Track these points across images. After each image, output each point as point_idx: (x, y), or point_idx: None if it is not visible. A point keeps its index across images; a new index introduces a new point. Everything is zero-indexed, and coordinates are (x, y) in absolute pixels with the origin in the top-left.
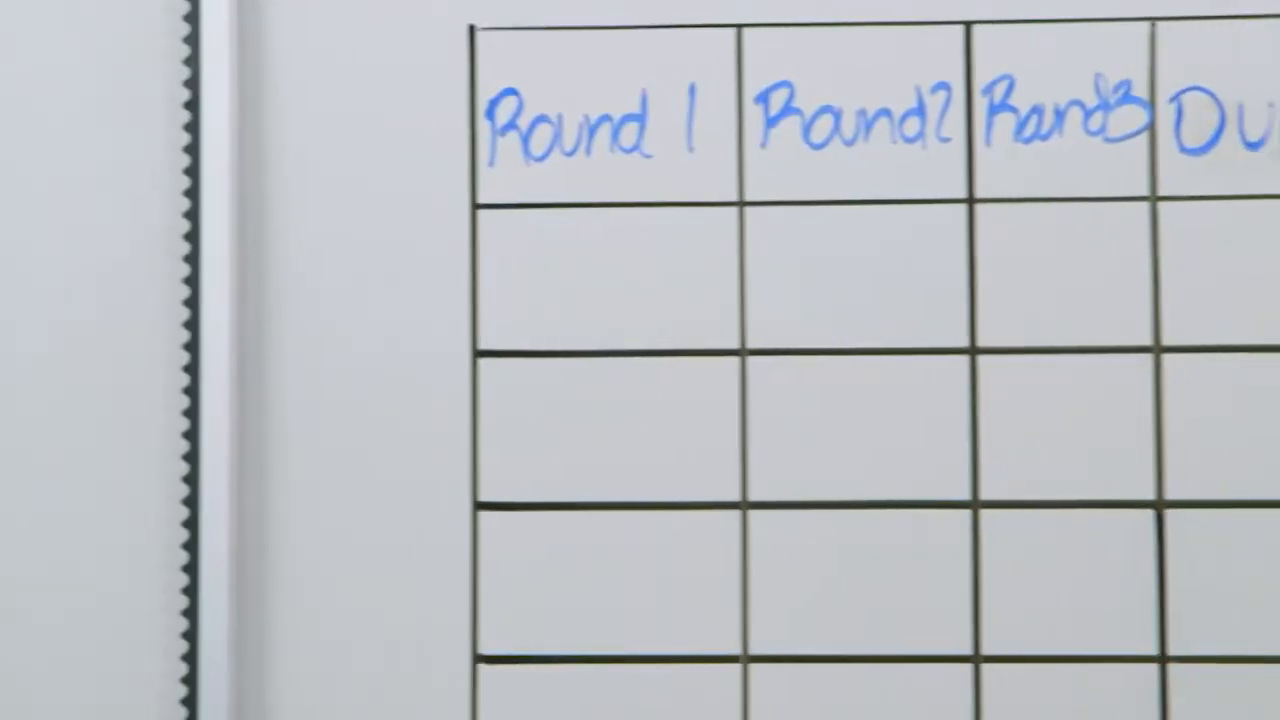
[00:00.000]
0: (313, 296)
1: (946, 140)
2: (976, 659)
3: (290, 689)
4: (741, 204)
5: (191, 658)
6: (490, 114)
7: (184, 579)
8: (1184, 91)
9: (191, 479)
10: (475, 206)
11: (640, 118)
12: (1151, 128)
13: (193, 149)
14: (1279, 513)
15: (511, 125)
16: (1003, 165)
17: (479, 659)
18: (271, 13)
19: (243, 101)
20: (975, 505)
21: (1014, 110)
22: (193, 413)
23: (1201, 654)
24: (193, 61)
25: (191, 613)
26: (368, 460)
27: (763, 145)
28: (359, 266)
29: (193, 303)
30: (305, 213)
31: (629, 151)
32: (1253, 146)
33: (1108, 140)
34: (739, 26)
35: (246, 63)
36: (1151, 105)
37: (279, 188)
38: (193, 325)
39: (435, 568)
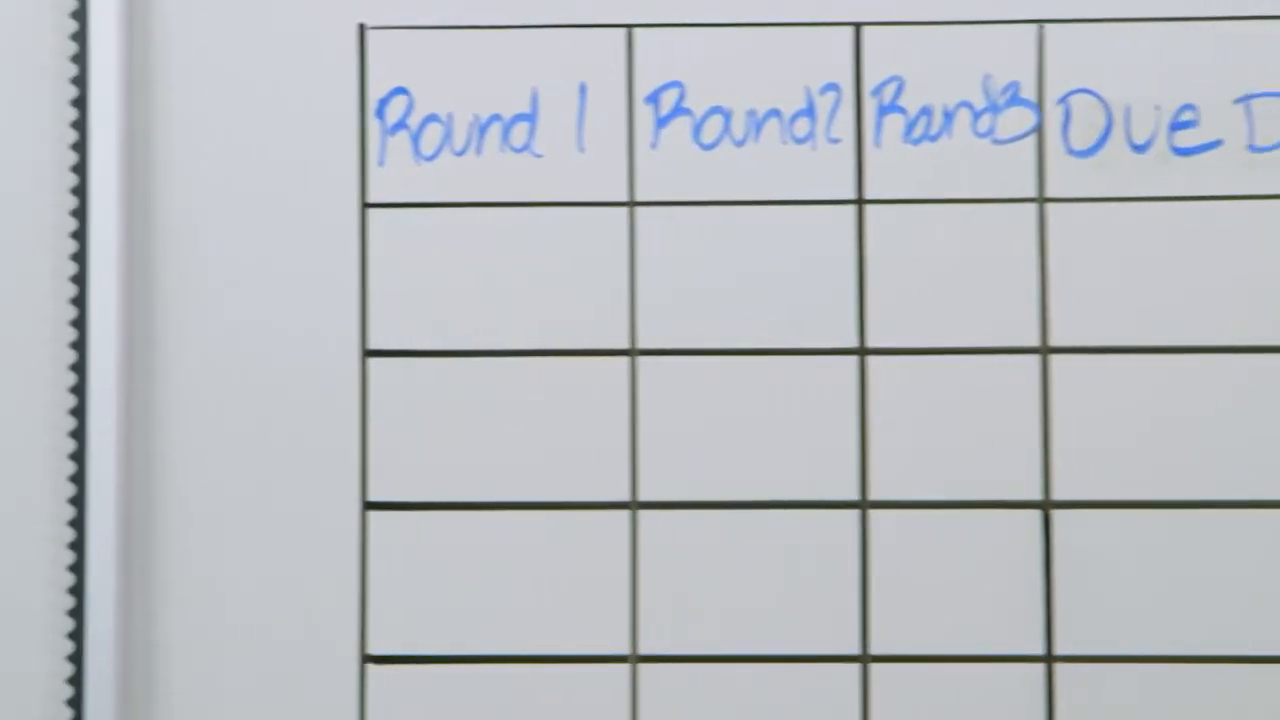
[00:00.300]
0: (201, 296)
1: (836, 141)
2: (865, 659)
3: (178, 689)
4: (632, 204)
5: (78, 658)
6: (380, 113)
7: (70, 578)
8: (1071, 94)
9: (78, 479)
10: (365, 206)
11: (531, 117)
12: (1039, 130)
13: (80, 147)
14: (1165, 513)
15: (401, 125)
16: (892, 166)
17: (367, 659)
18: (160, 11)
19: (131, 102)
20: (864, 505)
21: (903, 111)
22: (80, 412)
23: (1087, 654)
24: (80, 60)
25: (78, 612)
26: (256, 459)
27: (653, 145)
28: (248, 266)
29: (80, 302)
30: (194, 212)
31: (519, 151)
32: (1139, 149)
33: (996, 142)
34: (629, 27)
35: (135, 63)
36: (1039, 107)
37: (167, 186)
38: (80, 325)
39: (323, 567)
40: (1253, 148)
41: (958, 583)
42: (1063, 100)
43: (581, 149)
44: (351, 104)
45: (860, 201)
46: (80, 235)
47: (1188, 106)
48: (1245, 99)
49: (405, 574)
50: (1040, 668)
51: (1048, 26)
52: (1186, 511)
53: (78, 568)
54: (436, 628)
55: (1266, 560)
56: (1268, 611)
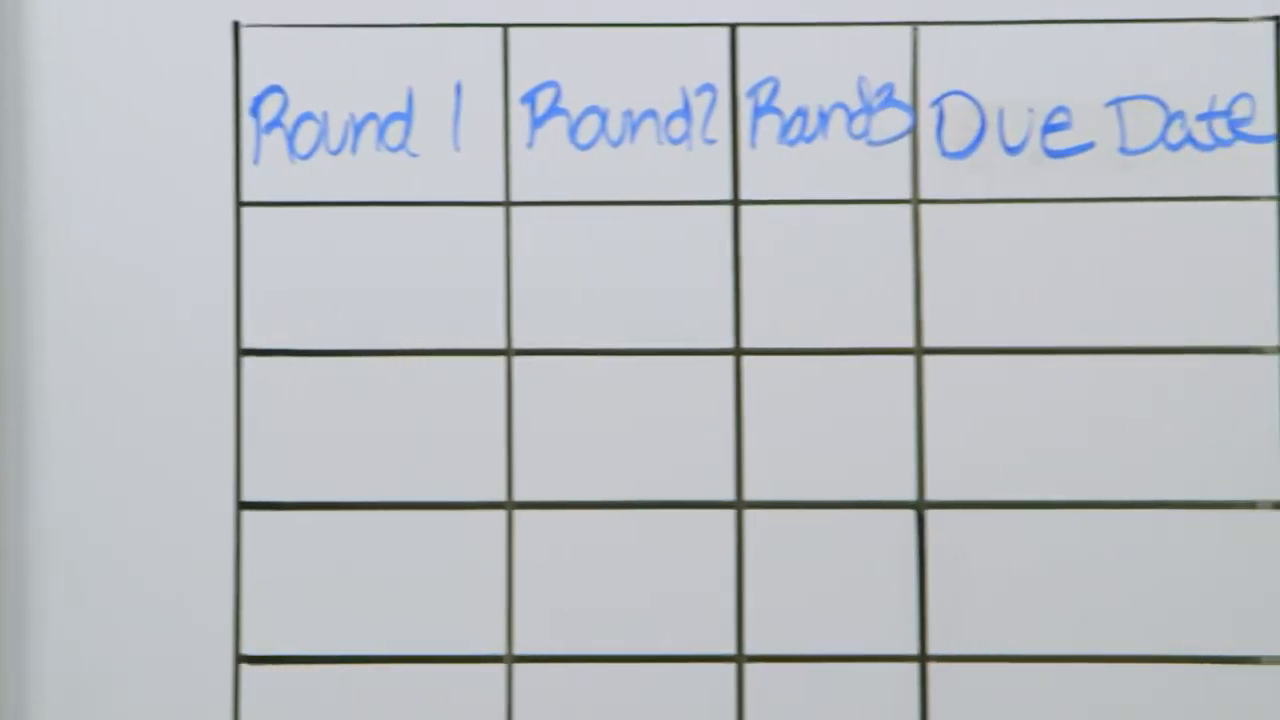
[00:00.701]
0: (75, 295)
1: (712, 142)
2: (740, 659)
3: (50, 690)
4: (508, 204)
5: None
6: (255, 111)
7: None
8: (945, 95)
9: None
10: (239, 204)
11: (406, 116)
12: (914, 131)
13: None
14: (1039, 513)
15: (276, 123)
16: (768, 167)
17: (241, 659)
18: (30, 9)
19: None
20: (739, 505)
21: (779, 113)
22: None
23: (961, 653)
24: None
25: None
26: (130, 459)
27: (529, 145)
28: (122, 265)
29: None
30: (66, 211)
31: (395, 150)
32: (1012, 151)
33: (871, 143)
34: (505, 26)
35: (4, 60)
36: (914, 109)
37: (39, 188)
38: None
39: (198, 567)
40: (1124, 150)
41: (832, 582)
42: (937, 102)
43: (457, 148)
44: (226, 102)
45: (736, 202)
46: None
47: (1060, 109)
48: (1116, 102)
49: (280, 574)
50: (914, 667)
51: (922, 28)
52: (1060, 511)
53: None
54: (312, 628)
55: (1139, 560)
56: (1141, 611)
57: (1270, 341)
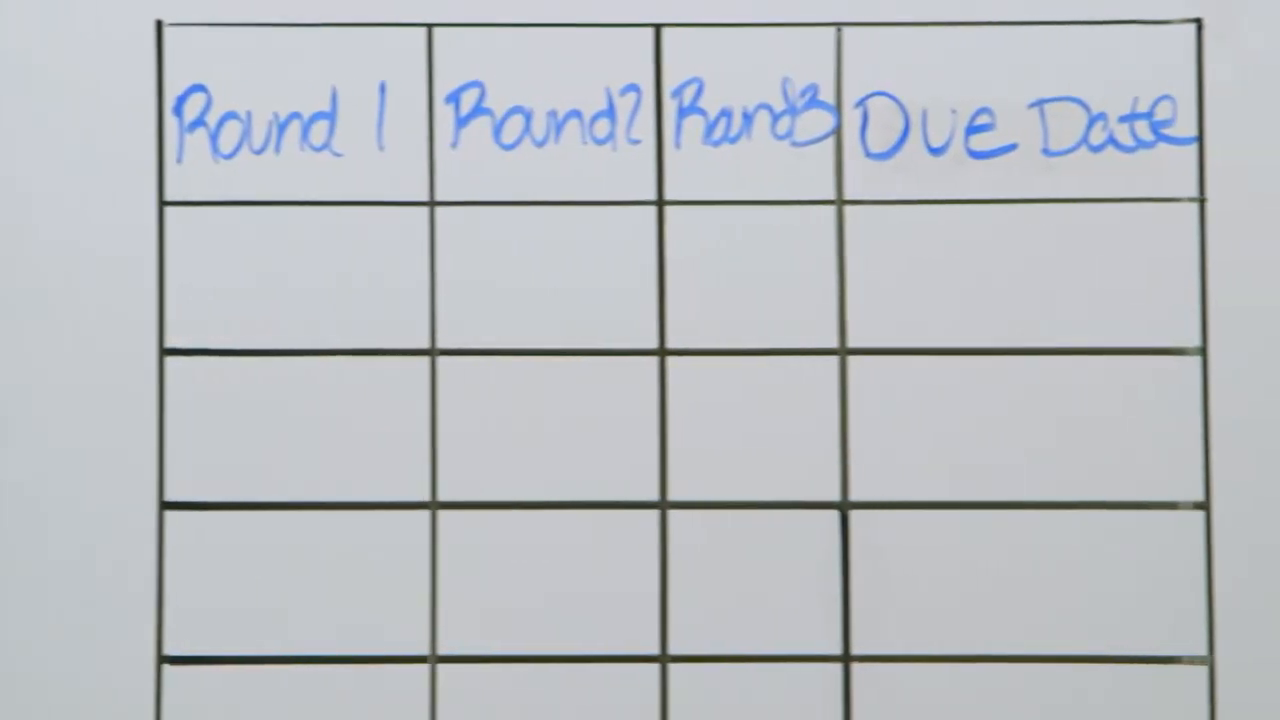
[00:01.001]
0: None
1: (637, 142)
2: (664, 659)
3: None
4: (432, 204)
5: None
6: (178, 110)
7: None
8: (869, 96)
9: None
10: (162, 204)
11: (330, 116)
12: (838, 132)
13: None
14: (962, 513)
15: (200, 122)
16: (692, 168)
17: (164, 659)
18: None
19: None
20: (663, 506)
21: (703, 113)
22: None
23: (885, 654)
24: None
25: None
26: (52, 459)
27: (453, 145)
28: (43, 264)
29: None
30: None
31: (319, 150)
32: (936, 152)
33: (795, 144)
34: (429, 26)
35: None
36: (838, 110)
37: None
38: None
39: (120, 567)
40: (1046, 151)
41: (756, 583)
42: (861, 103)
43: (381, 148)
44: (149, 101)
45: (660, 203)
46: None
47: (984, 110)
48: (1039, 103)
49: (203, 574)
50: (838, 667)
51: (846, 29)
52: (982, 512)
53: None
54: (235, 628)
55: (1061, 560)
56: (1062, 611)
57: (1192, 343)
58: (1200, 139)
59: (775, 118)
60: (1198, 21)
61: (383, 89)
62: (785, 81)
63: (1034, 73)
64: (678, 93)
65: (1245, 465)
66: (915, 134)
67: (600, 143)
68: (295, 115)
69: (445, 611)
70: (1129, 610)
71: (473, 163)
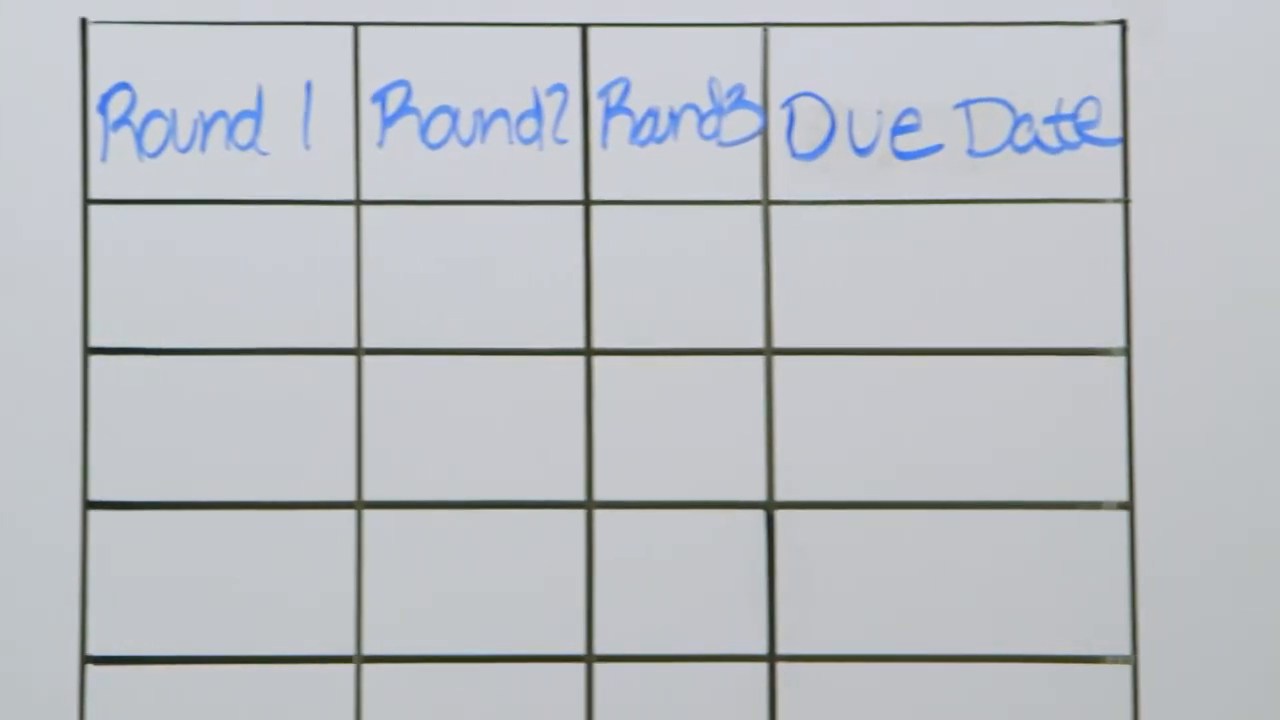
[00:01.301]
0: None
1: (563, 142)
2: (589, 659)
3: None
4: (358, 203)
5: None
6: (102, 108)
7: None
8: (795, 97)
9: None
10: (87, 202)
11: (256, 115)
12: (764, 133)
13: None
14: (888, 513)
15: (124, 120)
16: (619, 167)
17: (87, 659)
18: None
19: None
20: (589, 505)
21: (630, 113)
22: None
23: (810, 653)
24: None
25: None
26: None
27: (380, 144)
28: None
29: None
30: None
31: (245, 148)
32: (862, 152)
33: (721, 144)
34: (356, 25)
35: None
36: (764, 110)
37: None
38: None
39: (43, 566)
40: (972, 152)
41: (682, 582)
42: (787, 103)
43: (307, 147)
44: (74, 99)
45: (587, 202)
46: None
47: (909, 110)
48: (965, 104)
49: (127, 573)
50: (763, 667)
51: (772, 29)
52: (908, 512)
53: None
54: (159, 628)
55: (987, 560)
56: (987, 611)
57: (1116, 343)
58: (1124, 140)
59: (702, 118)
60: (1122, 23)
61: (309, 88)
62: (712, 82)
63: (960, 74)
64: (604, 92)
65: (1169, 465)
66: (841, 134)
67: (527, 142)
68: (221, 114)
69: (371, 611)
70: (1053, 610)
71: (399, 162)
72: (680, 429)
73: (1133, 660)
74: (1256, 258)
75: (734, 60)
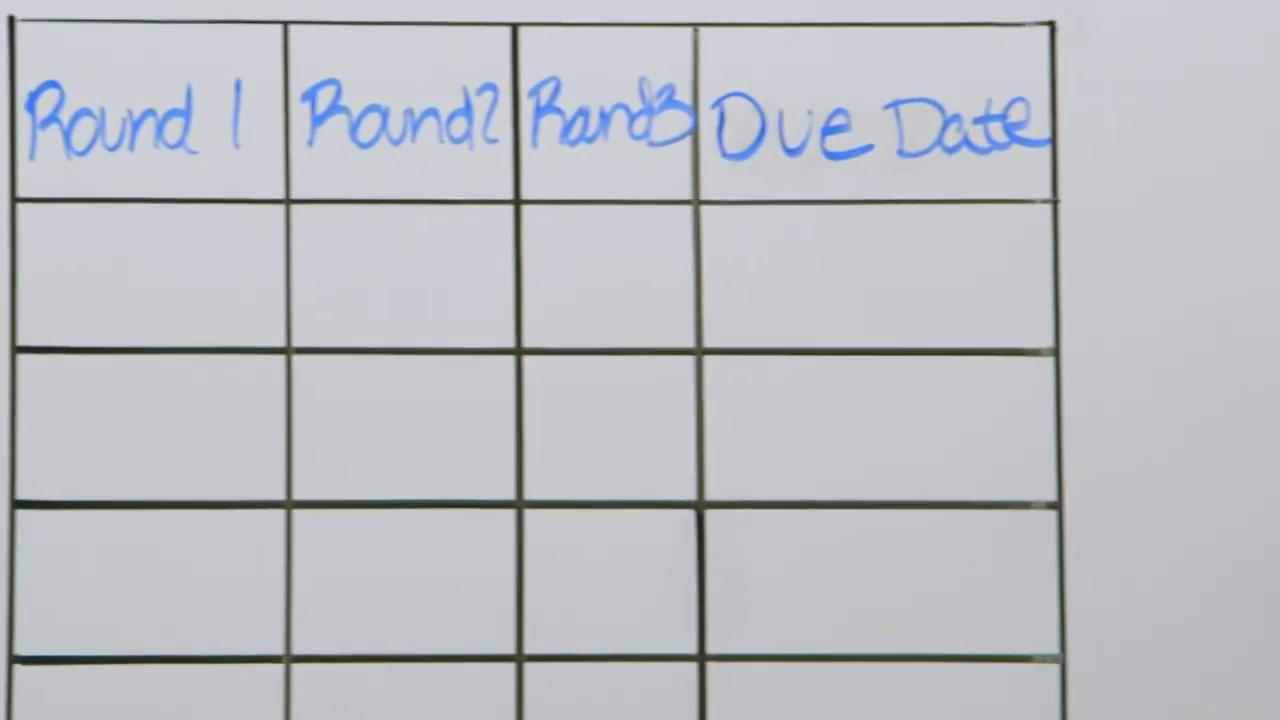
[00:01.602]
0: None
1: (494, 141)
2: (519, 658)
3: None
4: (288, 202)
5: None
6: (31, 106)
7: None
8: (726, 97)
9: None
10: (14, 200)
11: (185, 113)
12: (694, 133)
13: None
14: (819, 513)
15: (53, 118)
16: (549, 167)
17: (15, 659)
18: None
19: None
20: (519, 505)
21: (560, 112)
22: None
23: (739, 653)
24: None
25: None
26: None
27: (310, 143)
28: None
29: None
30: None
31: (174, 147)
32: (792, 152)
33: (652, 144)
34: (285, 24)
35: None
36: (695, 110)
37: None
38: None
39: None
40: (901, 153)
41: (612, 582)
42: (717, 104)
43: (237, 146)
44: (1, 97)
45: (517, 202)
46: None
47: (839, 111)
48: (894, 104)
49: (56, 573)
50: (693, 667)
51: (702, 29)
52: (837, 511)
53: None
54: (88, 628)
55: (916, 559)
56: (916, 610)
57: (1045, 344)
58: (1053, 140)
59: (632, 117)
60: (1050, 24)
61: (238, 87)
62: (642, 81)
63: (890, 74)
64: (534, 92)
65: (1097, 465)
66: (771, 134)
67: (457, 141)
68: (149, 113)
69: (300, 611)
70: (982, 609)
71: (329, 161)
72: (611, 429)
73: (1061, 659)
74: (1184, 258)
75: (664, 60)
